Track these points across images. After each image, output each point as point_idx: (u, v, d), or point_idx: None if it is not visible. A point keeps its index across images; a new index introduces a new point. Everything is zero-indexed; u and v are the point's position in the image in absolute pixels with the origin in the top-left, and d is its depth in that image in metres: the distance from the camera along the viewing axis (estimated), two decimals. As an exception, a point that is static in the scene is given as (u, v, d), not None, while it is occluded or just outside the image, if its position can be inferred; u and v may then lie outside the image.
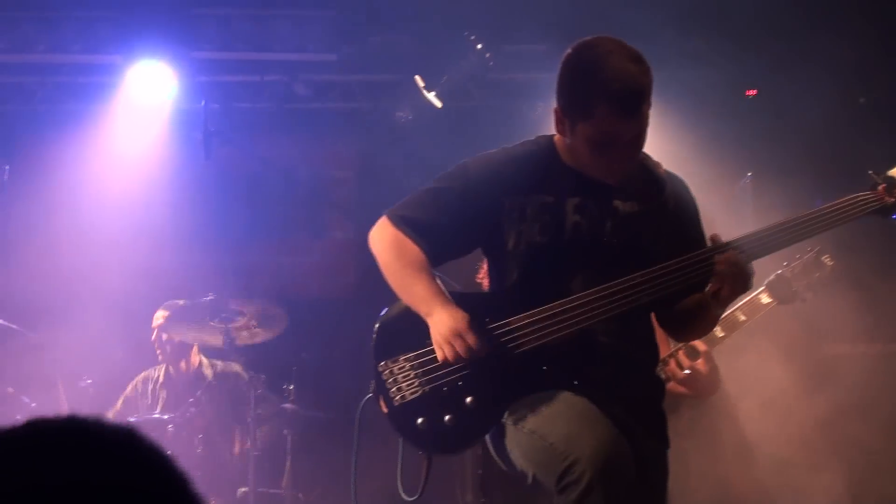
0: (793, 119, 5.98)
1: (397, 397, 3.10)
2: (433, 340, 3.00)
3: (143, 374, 6.33)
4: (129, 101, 6.46)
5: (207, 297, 5.73)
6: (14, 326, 5.55)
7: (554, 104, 3.02)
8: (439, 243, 3.12)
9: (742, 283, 2.98)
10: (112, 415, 5.95)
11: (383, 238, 3.15)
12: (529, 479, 2.99)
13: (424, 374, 3.08)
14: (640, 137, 2.96)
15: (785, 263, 4.29)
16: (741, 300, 4.29)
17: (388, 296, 3.17)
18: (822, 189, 4.79)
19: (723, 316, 4.28)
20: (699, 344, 4.28)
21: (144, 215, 6.63)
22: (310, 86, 6.67)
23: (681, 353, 4.31)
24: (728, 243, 3.01)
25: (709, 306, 3.05)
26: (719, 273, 2.94)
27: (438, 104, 6.46)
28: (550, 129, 3.12)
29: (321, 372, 6.33)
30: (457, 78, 6.38)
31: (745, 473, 4.73)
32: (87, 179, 6.55)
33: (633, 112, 2.89)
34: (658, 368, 3.62)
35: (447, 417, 3.05)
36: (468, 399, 3.04)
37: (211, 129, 5.26)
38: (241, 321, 5.73)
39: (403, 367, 3.11)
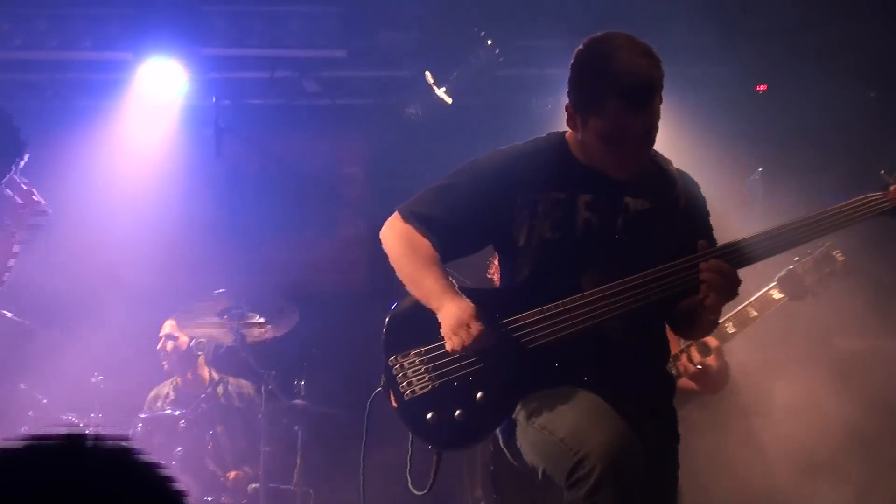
0: (803, 113, 5.96)
1: (407, 392, 3.11)
2: (443, 332, 3.00)
3: (153, 393, 6.31)
4: (141, 97, 6.46)
5: (218, 293, 5.74)
6: (26, 322, 5.56)
7: (565, 100, 3.02)
8: (450, 239, 3.13)
9: (728, 291, 2.94)
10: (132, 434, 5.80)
11: (394, 233, 3.16)
12: (540, 475, 2.99)
13: (434, 368, 3.08)
14: (651, 132, 2.96)
15: (796, 259, 4.27)
16: (752, 296, 4.29)
17: (399, 291, 3.17)
18: (832, 184, 4.78)
19: (734, 312, 4.29)
20: (711, 340, 4.27)
21: (155, 212, 6.64)
22: (320, 82, 6.67)
23: (692, 349, 4.30)
24: (715, 249, 2.98)
25: (701, 311, 3.02)
26: (703, 281, 2.91)
27: (448, 100, 6.45)
28: (562, 125, 3.12)
29: (331, 368, 6.33)
30: (467, 74, 6.37)
31: (755, 468, 4.72)
32: (97, 176, 6.56)
33: (644, 106, 2.89)
34: (669, 364, 3.62)
35: (457, 412, 3.05)
36: (478, 394, 3.04)
37: (222, 125, 5.27)
38: (251, 318, 5.74)
39: (413, 361, 3.11)
